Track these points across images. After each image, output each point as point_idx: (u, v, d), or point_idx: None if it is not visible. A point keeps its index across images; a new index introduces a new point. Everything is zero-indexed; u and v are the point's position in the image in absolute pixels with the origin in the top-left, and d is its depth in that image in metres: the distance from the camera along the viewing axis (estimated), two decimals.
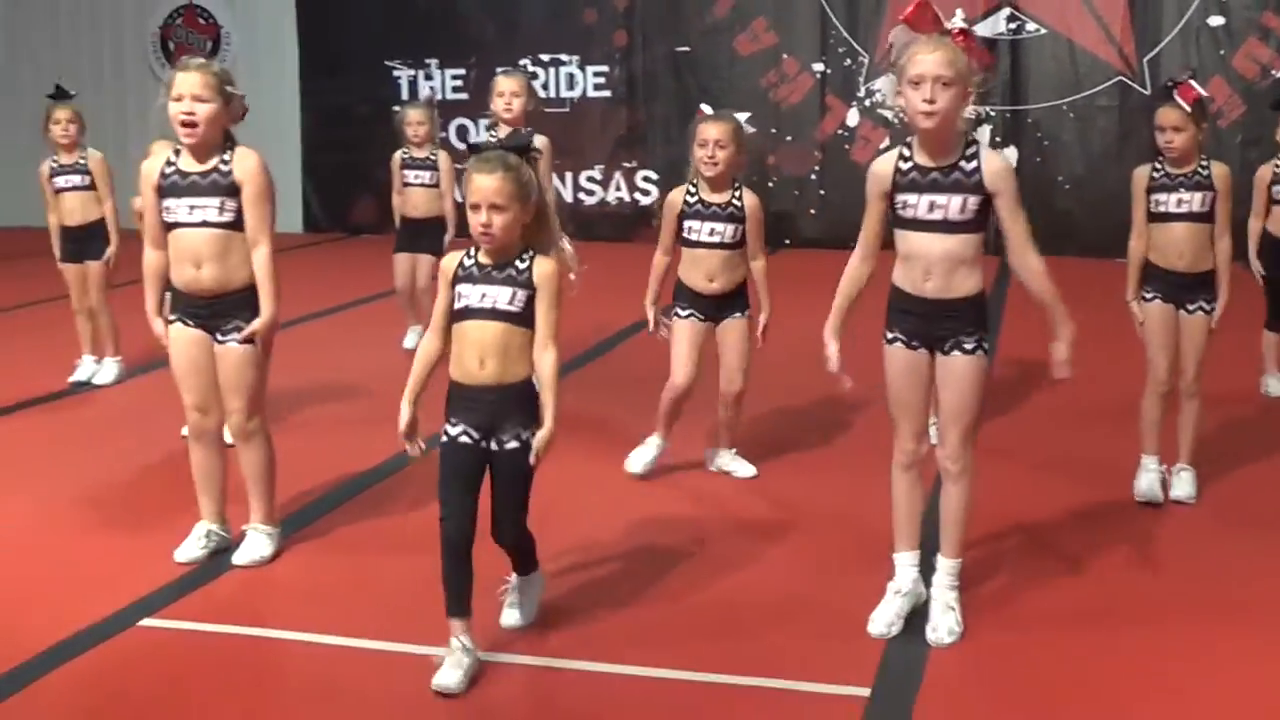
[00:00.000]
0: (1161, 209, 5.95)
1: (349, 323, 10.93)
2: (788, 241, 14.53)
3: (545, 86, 15.28)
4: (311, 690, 4.42)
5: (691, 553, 5.51)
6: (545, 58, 15.44)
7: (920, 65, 4.38)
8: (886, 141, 14.20)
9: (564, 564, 4.90)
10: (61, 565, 5.46)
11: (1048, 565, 5.35)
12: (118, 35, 17.07)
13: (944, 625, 4.64)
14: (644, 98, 15.24)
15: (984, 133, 12.96)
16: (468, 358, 4.36)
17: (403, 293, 9.49)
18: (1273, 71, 13.30)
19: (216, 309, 5.23)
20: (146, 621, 4.86)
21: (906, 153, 4.55)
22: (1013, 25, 14.00)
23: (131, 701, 4.34)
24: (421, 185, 9.35)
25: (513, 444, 4.37)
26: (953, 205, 4.46)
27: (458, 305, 4.41)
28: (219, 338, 5.26)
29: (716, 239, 6.28)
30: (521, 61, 14.72)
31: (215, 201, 5.16)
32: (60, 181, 8.42)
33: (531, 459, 4.37)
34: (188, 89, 5.11)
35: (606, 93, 15.45)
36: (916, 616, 4.73)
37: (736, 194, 6.28)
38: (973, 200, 4.45)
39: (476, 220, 4.31)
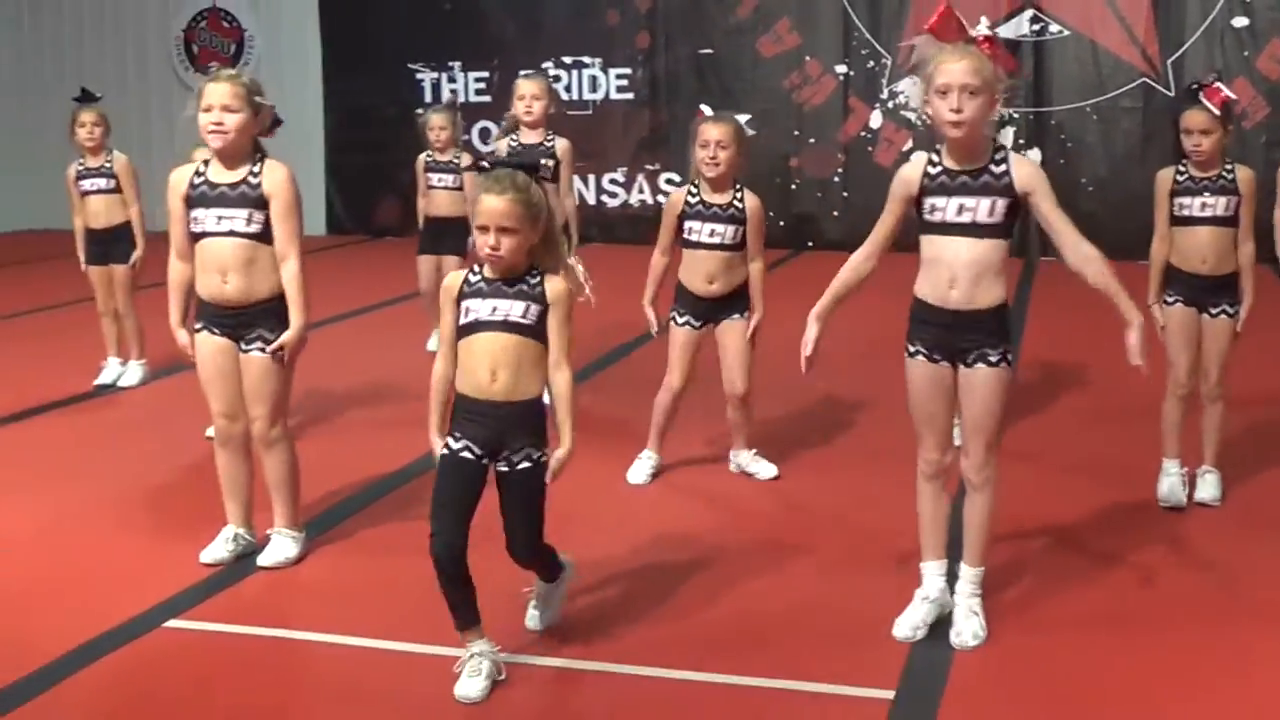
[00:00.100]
0: (1185, 213, 5.92)
1: (372, 325, 10.96)
2: (810, 244, 14.54)
3: (568, 89, 15.32)
4: (336, 691, 4.44)
5: (709, 556, 5.50)
6: (568, 60, 15.47)
7: (947, 75, 4.38)
8: (910, 144, 14.21)
9: (583, 568, 4.91)
10: (87, 566, 5.49)
11: (1071, 568, 5.34)
12: (141, 38, 17.15)
13: (968, 629, 4.63)
14: (666, 100, 15.25)
15: (1008, 134, 12.94)
16: (478, 370, 4.29)
17: (426, 294, 9.49)
18: None
19: (241, 319, 5.25)
20: (172, 623, 4.88)
21: (935, 158, 4.55)
22: (1036, 27, 13.97)
23: (157, 702, 4.35)
24: (445, 188, 9.37)
25: (525, 464, 4.31)
26: (981, 208, 4.45)
27: (464, 320, 4.34)
28: (243, 346, 5.28)
29: (717, 240, 6.27)
30: (545, 64, 14.77)
31: (243, 213, 5.18)
32: (86, 184, 8.47)
33: (549, 478, 4.34)
34: (217, 99, 5.14)
35: (629, 95, 15.47)
36: (940, 621, 4.72)
37: (738, 195, 6.28)
38: (1001, 203, 4.45)
39: (485, 242, 4.24)
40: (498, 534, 4.41)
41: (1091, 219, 13.40)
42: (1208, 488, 6.05)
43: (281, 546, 5.45)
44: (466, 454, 4.29)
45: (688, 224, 6.33)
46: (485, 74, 15.76)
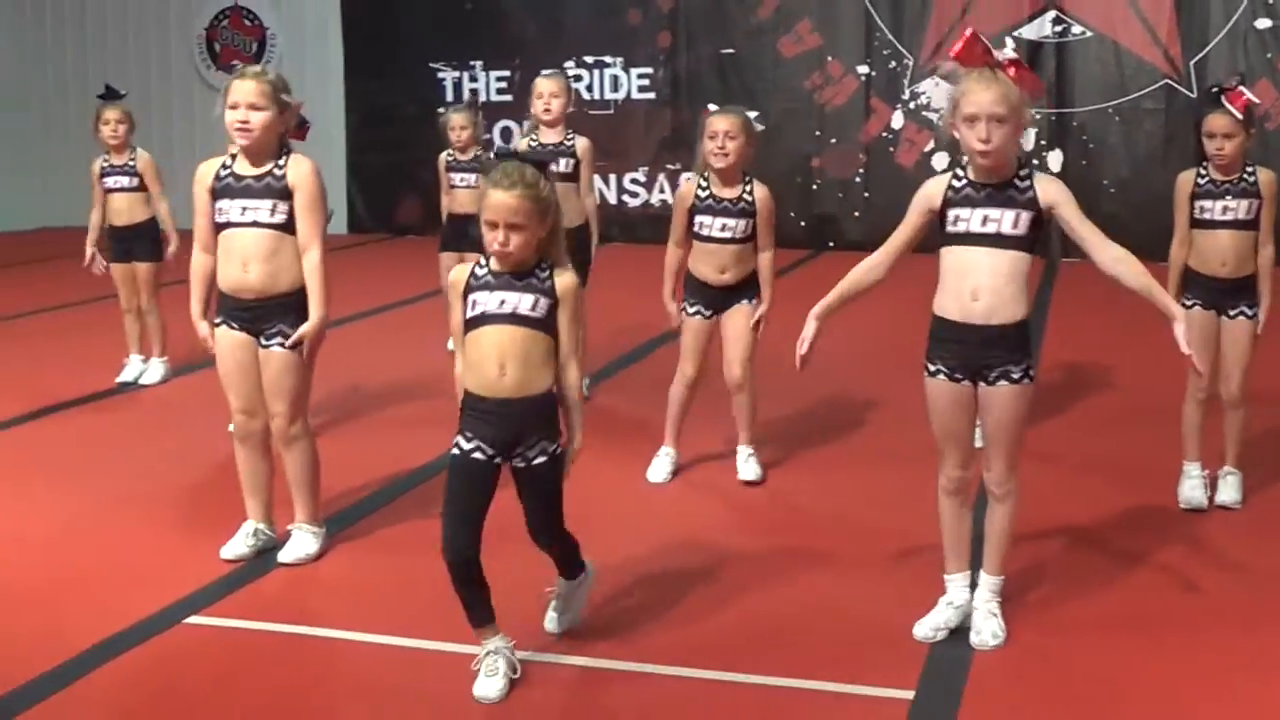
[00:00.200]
0: (1206, 216, 5.90)
1: (393, 323, 10.97)
2: (831, 244, 14.53)
3: (589, 88, 15.34)
4: (355, 688, 4.46)
5: (729, 556, 5.51)
6: (590, 59, 15.48)
7: (974, 105, 4.37)
8: (931, 144, 14.19)
9: (601, 568, 4.91)
10: (107, 563, 5.52)
11: (1091, 569, 5.33)
12: (163, 37, 17.20)
13: (987, 629, 4.63)
14: (688, 99, 15.22)
15: (1029, 136, 12.92)
16: (486, 365, 4.26)
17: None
18: None
19: (260, 312, 5.26)
20: (192, 619, 4.89)
21: (960, 173, 4.55)
22: (1058, 28, 13.94)
23: (177, 697, 4.37)
24: (467, 187, 9.37)
25: (541, 459, 4.30)
26: (1006, 219, 4.44)
27: (471, 313, 4.30)
28: (263, 342, 5.29)
29: (728, 234, 6.29)
30: (566, 63, 14.78)
31: (268, 204, 5.20)
32: (110, 182, 8.51)
33: (565, 472, 4.35)
34: (243, 97, 5.16)
35: (650, 94, 15.47)
36: (959, 624, 4.71)
37: (747, 188, 6.29)
38: (1025, 215, 4.44)
39: (493, 238, 4.20)
40: (514, 533, 4.42)
41: (1113, 220, 13.33)
42: (1229, 490, 6.04)
43: (302, 542, 5.46)
44: (478, 454, 4.26)
45: (699, 218, 6.33)
46: (507, 73, 15.78)
